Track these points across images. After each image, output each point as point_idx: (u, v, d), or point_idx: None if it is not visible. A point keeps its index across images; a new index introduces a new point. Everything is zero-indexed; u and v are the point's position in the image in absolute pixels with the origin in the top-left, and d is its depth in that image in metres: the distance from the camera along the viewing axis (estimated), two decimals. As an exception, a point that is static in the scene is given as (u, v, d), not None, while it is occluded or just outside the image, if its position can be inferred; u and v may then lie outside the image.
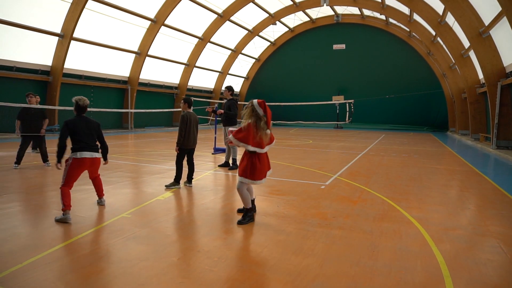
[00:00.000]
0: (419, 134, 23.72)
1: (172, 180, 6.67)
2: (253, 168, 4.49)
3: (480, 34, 15.58)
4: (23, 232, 4.04)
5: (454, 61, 20.93)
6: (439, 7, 18.87)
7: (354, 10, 28.95)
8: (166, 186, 6.48)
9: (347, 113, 26.79)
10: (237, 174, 4.64)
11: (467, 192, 6.78)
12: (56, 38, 17.28)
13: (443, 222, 4.78)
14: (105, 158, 5.20)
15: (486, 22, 15.18)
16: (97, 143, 4.96)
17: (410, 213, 5.10)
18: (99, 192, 5.23)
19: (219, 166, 8.92)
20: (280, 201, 5.68)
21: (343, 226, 4.50)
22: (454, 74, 23.41)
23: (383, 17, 27.96)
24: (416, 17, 23.37)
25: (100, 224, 4.39)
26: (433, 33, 22.82)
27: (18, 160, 8.10)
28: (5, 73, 15.93)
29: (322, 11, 29.73)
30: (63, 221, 4.38)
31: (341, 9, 29.16)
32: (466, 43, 18.28)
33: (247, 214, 4.61)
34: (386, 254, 3.65)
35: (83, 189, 6.02)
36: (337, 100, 28.95)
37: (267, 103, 4.78)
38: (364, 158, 11.26)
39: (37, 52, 17.11)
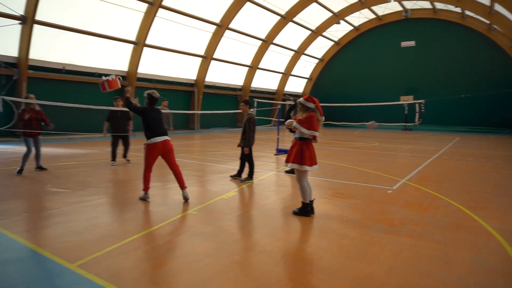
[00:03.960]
0: (501, 137, 21.48)
1: (238, 175, 7.36)
2: (302, 154, 4.74)
3: None
4: (103, 223, 4.43)
5: (544, 55, 18.60)
6: (527, -4, 16.92)
7: (425, 4, 27.14)
8: (241, 180, 7.09)
9: (417, 113, 25.15)
10: (287, 163, 4.90)
11: (561, 203, 5.98)
12: (131, 45, 18.71)
13: (531, 235, 4.28)
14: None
15: None
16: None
17: (490, 224, 4.64)
18: (181, 183, 5.53)
19: (286, 172, 8.21)
20: (343, 204, 5.53)
21: (412, 234, 4.24)
22: (545, 70, 20.82)
23: (458, 9, 25.82)
24: (498, 7, 21.20)
25: (169, 219, 4.65)
26: (519, 24, 20.52)
27: (113, 157, 8.95)
28: (89, 78, 17.62)
29: (389, 7, 28.34)
30: None
31: (410, 4, 27.52)
32: (560, 35, 16.17)
33: (305, 208, 4.85)
34: (461, 267, 3.36)
35: (153, 185, 6.42)
36: (406, 100, 27.33)
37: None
38: (436, 162, 10.51)
39: (115, 59, 18.67)
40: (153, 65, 20.70)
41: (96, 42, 17.32)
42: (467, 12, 25.62)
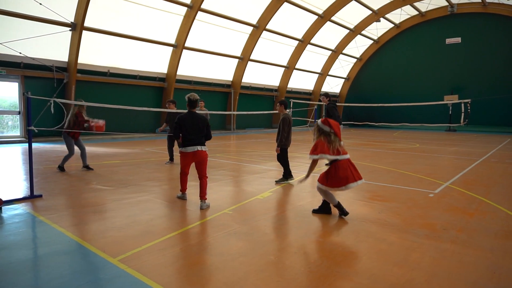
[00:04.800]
0: (558, 139, 19.88)
1: (277, 176, 7.39)
2: (329, 176, 4.71)
3: None
4: (143, 220, 4.60)
5: None
6: None
7: (473, -2, 25.74)
8: (276, 181, 7.04)
9: (462, 114, 23.85)
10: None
11: None
12: (171, 48, 19.29)
13: None
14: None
15: None
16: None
17: (544, 232, 4.31)
18: (201, 193, 5.27)
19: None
20: (382, 207, 5.36)
21: (456, 240, 4.03)
22: None
23: (511, 2, 24.20)
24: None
25: (205, 218, 4.74)
26: None
27: (171, 158, 9.36)
28: (131, 81, 18.40)
29: (433, 3, 27.14)
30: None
31: (456, -1, 26.24)
32: None
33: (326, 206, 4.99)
34: (511, 277, 3.15)
35: (191, 185, 6.58)
36: (450, 100, 25.99)
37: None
38: (483, 165, 9.92)
39: (155, 62, 19.36)
40: (191, 67, 21.23)
41: (137, 45, 18.06)
42: (520, 5, 23.96)
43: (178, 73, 19.87)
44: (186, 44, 19.33)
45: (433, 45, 29.31)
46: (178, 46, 19.13)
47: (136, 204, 5.33)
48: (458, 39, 28.07)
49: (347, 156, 4.75)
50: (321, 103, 9.75)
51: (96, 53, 16.93)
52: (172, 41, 19.16)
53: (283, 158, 7.07)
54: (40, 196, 5.66)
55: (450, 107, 26.45)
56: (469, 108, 23.64)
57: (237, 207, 5.30)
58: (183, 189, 5.65)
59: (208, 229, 4.34)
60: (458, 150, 13.91)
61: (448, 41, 28.48)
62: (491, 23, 26.48)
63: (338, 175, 4.63)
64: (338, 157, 4.67)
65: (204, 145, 5.34)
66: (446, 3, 26.96)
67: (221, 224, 4.48)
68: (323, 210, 5.03)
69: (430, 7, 28.29)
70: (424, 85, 29.59)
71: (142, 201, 5.53)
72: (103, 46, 16.96)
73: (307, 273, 3.17)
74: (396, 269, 3.28)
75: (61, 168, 7.94)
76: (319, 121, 4.87)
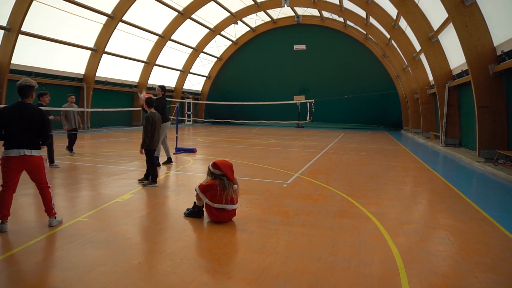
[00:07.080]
0: (376, 133, 24.75)
1: (141, 178, 6.87)
2: (213, 199, 4.48)
3: (430, 39, 16.51)
4: (-34, 241, 3.74)
5: (407, 63, 22.05)
6: (393, 12, 19.79)
7: (314, 12, 29.61)
8: (143, 185, 6.52)
9: (308, 112, 27.33)
10: (198, 188, 4.64)
11: (420, 187, 7.17)
12: (2, 31, 16.14)
13: (398, 216, 5.03)
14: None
15: (435, 27, 16.11)
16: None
17: (368, 209, 5.31)
18: (47, 209, 4.27)
19: (163, 163, 8.84)
20: (243, 200, 5.68)
21: (305, 223, 4.59)
22: (407, 76, 24.66)
23: (341, 19, 28.85)
24: (372, 20, 24.36)
25: (54, 229, 4.16)
26: (388, 36, 23.90)
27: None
28: None
29: (283, 12, 30.13)
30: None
31: (301, 10, 29.72)
32: (417, 47, 19.30)
33: (195, 210, 4.77)
34: (345, 249, 3.77)
35: (33, 193, 5.67)
36: (298, 99, 29.47)
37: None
38: (324, 156, 11.57)
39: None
40: (32, 55, 18.23)
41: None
42: (349, 22, 28.79)
43: (13, 61, 16.73)
44: (24, 29, 16.43)
45: (283, 50, 32.58)
46: (12, 30, 16.11)
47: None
48: (303, 46, 31.96)
49: (236, 206, 4.57)
50: (184, 100, 9.75)
51: None
52: (4, 23, 16.03)
53: (149, 159, 6.65)
54: None
55: (299, 106, 29.96)
56: (313, 107, 27.22)
57: (94, 213, 4.83)
58: (4, 215, 4.03)
59: (58, 242, 3.82)
60: (305, 144, 15.86)
61: (296, 47, 32.15)
62: (328, 35, 31.06)
63: (216, 214, 4.47)
64: (226, 207, 4.44)
65: (37, 148, 4.13)
66: (293, 14, 30.29)
67: (74, 234, 4.00)
68: (195, 214, 4.77)
69: (281, 16, 31.34)
70: (277, 85, 32.68)
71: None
72: None
73: (173, 273, 3.13)
74: (257, 255, 3.53)
75: None
76: (210, 165, 4.64)
